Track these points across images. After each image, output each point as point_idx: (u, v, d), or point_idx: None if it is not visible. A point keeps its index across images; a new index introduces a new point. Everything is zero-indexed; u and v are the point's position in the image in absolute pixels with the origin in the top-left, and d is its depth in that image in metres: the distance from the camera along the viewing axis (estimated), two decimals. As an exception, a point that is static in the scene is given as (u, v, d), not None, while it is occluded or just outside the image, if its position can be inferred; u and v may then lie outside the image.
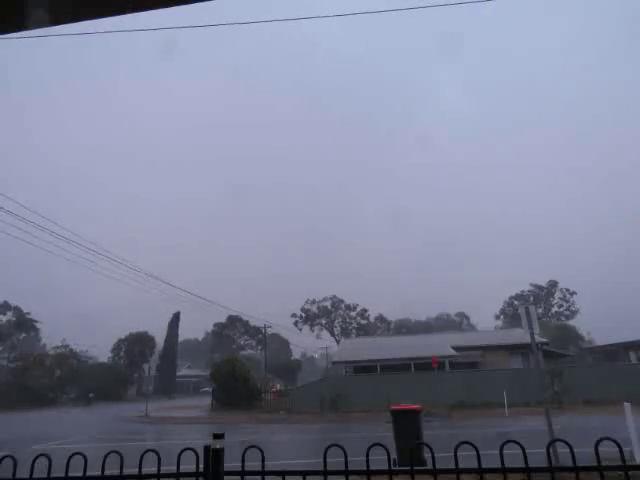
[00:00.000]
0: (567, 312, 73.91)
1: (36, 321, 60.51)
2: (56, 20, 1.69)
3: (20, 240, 21.05)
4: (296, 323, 78.58)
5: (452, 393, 26.23)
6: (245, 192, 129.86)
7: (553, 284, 74.63)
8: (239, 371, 32.74)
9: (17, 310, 59.35)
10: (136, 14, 1.72)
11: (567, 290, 73.77)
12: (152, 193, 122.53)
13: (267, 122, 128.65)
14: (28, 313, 59.59)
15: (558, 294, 74.99)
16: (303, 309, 79.08)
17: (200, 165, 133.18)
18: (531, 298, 73.18)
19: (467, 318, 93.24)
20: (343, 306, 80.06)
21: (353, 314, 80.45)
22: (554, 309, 75.18)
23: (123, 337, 64.17)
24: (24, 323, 59.54)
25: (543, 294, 75.30)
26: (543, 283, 75.21)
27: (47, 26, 1.74)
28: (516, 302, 72.99)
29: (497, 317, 78.49)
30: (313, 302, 79.23)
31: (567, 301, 74.20)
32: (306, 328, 79.20)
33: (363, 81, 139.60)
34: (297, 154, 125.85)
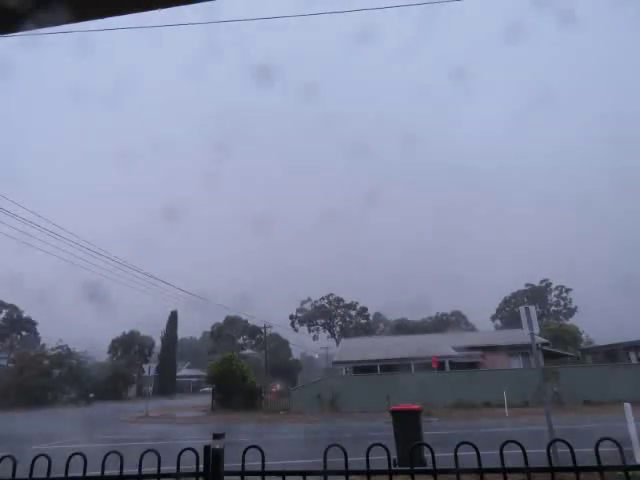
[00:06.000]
0: (565, 311, 73.75)
1: (34, 322, 60.52)
2: (56, 20, 1.69)
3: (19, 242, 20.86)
4: (292, 324, 78.42)
5: (452, 393, 26.25)
6: (242, 184, 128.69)
7: (547, 283, 74.35)
8: (237, 369, 32.65)
9: (13, 309, 59.26)
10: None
11: (562, 287, 73.54)
12: (148, 190, 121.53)
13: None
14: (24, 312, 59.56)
15: (554, 292, 74.79)
16: (299, 309, 78.90)
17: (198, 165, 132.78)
18: (525, 298, 72.64)
19: (464, 317, 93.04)
20: (342, 305, 79.72)
21: (353, 313, 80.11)
22: (552, 308, 74.96)
23: (117, 337, 64.27)
24: (21, 323, 59.49)
25: (539, 293, 74.92)
26: (537, 282, 74.74)
27: (47, 26, 1.74)
28: (514, 300, 72.51)
29: (493, 318, 78.12)
30: (308, 300, 78.94)
31: (564, 299, 74.03)
32: (304, 329, 79.07)
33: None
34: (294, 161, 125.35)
